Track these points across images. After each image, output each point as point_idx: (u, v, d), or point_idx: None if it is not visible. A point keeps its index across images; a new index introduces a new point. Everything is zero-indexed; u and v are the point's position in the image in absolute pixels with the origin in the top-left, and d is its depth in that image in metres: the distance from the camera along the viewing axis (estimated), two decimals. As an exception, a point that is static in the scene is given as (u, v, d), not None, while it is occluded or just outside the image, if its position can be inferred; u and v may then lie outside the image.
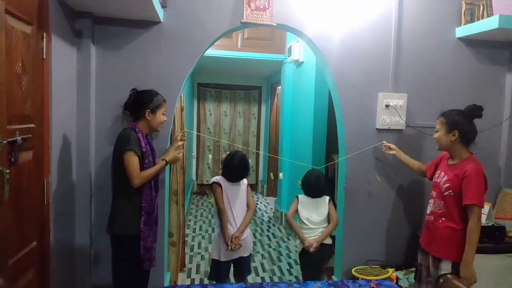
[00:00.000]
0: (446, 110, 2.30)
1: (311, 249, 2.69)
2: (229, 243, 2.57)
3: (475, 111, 2.23)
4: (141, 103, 2.30)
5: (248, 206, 2.75)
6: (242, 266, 2.74)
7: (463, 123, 2.20)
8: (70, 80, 2.39)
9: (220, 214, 2.65)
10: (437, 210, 2.25)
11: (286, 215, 3.01)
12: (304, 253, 2.81)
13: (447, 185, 2.19)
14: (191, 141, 6.98)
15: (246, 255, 2.71)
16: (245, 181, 2.79)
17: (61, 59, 2.21)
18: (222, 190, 2.67)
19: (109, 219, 2.30)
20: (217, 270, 2.69)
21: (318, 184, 2.85)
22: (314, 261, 2.80)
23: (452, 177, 2.18)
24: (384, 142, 2.76)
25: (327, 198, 2.88)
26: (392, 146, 2.71)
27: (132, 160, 2.15)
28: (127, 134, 2.20)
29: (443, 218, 2.21)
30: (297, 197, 2.98)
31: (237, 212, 2.69)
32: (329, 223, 2.83)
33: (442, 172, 2.27)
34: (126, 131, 2.23)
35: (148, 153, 2.28)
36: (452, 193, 2.16)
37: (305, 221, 2.83)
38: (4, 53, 1.54)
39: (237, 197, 2.71)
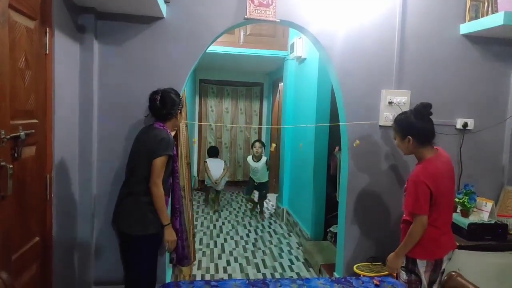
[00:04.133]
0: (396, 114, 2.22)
1: None
2: None
3: (423, 109, 2.12)
4: (172, 104, 2.28)
5: None
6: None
7: (413, 126, 2.10)
8: (73, 76, 2.39)
9: None
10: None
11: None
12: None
13: (405, 186, 2.19)
14: (191, 137, 6.97)
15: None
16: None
17: (64, 54, 2.20)
18: None
19: (125, 216, 2.23)
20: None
21: None
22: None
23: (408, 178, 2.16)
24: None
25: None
26: None
27: (162, 166, 2.15)
28: (167, 136, 2.20)
29: (403, 215, 2.23)
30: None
31: None
32: None
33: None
34: (165, 133, 2.22)
35: (177, 156, 2.30)
36: (406, 194, 2.14)
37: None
38: (8, 48, 1.54)
39: None
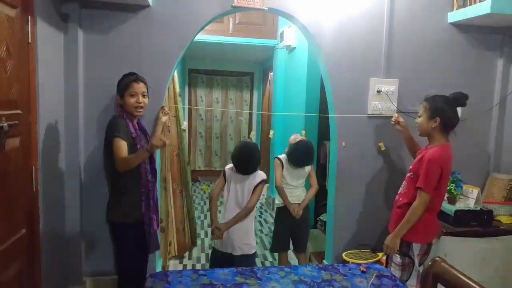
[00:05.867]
0: (430, 95, 2.26)
1: (298, 216, 2.90)
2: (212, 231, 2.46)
3: (460, 99, 2.18)
4: (117, 88, 2.25)
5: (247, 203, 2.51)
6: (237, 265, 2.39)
7: (446, 111, 2.16)
8: (57, 65, 2.35)
9: (210, 200, 2.64)
10: (402, 191, 2.32)
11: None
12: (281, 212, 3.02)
13: (411, 167, 2.27)
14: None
15: (236, 254, 2.47)
16: (257, 177, 2.55)
17: (48, 44, 2.16)
18: (225, 179, 2.59)
19: (107, 208, 2.29)
20: (213, 257, 2.59)
21: (307, 157, 2.94)
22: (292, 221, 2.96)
23: (417, 160, 2.22)
24: (395, 114, 2.68)
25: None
26: (402, 122, 2.62)
27: (119, 145, 2.10)
28: (113, 121, 2.18)
29: (401, 198, 2.28)
30: (279, 159, 3.03)
31: (230, 204, 2.52)
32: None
33: (418, 156, 2.29)
34: (113, 119, 2.21)
35: (139, 138, 2.24)
36: (412, 176, 2.22)
37: (288, 181, 3.00)
38: (-13, 37, 1.50)
39: (238, 191, 2.53)
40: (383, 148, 2.88)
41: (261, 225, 4.87)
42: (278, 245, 3.11)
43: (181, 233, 3.62)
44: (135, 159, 2.14)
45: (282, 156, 3.01)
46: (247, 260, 2.49)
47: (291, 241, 3.13)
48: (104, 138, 2.22)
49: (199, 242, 4.21)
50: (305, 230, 3.14)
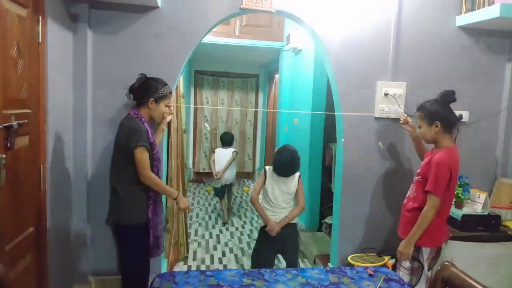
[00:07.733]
0: (420, 103, 2.27)
1: (273, 234, 2.59)
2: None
3: (448, 96, 2.21)
4: (147, 89, 2.23)
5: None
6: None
7: (441, 112, 2.18)
8: (66, 65, 2.36)
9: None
10: (410, 195, 2.31)
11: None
12: (264, 231, 2.65)
13: (419, 171, 2.27)
14: (188, 129, 6.95)
15: None
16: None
17: (57, 44, 2.18)
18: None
19: (112, 209, 2.26)
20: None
21: (292, 163, 2.63)
22: (276, 242, 2.64)
23: (425, 163, 2.22)
24: (404, 114, 2.65)
25: (297, 174, 2.69)
26: (411, 123, 2.55)
27: (145, 157, 2.12)
28: (137, 126, 2.13)
29: (411, 202, 2.27)
30: (265, 169, 2.74)
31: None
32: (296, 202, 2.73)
33: (426, 159, 2.28)
34: (135, 122, 2.15)
35: (155, 144, 2.25)
36: (421, 179, 2.21)
37: (270, 198, 2.65)
38: (-1, 36, 1.51)
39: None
40: (381, 147, 2.86)
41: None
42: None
43: (187, 235, 3.63)
44: (160, 187, 2.21)
45: (268, 167, 2.73)
46: None
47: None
48: (121, 140, 2.15)
49: (203, 242, 4.20)
50: (293, 254, 2.74)
